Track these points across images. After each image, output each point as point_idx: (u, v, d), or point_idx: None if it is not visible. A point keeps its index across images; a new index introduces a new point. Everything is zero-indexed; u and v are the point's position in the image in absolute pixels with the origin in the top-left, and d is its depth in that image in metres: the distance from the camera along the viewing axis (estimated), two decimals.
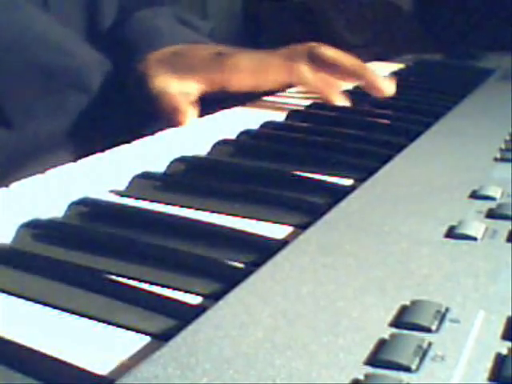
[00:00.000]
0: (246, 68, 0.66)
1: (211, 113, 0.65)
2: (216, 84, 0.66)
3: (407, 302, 0.27)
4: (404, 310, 0.26)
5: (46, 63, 0.64)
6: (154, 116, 0.67)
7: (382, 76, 0.73)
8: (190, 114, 0.63)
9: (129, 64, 0.68)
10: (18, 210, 0.38)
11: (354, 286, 0.28)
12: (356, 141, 0.56)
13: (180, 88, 0.66)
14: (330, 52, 0.69)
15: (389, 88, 0.70)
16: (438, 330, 0.25)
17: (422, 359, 0.23)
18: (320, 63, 0.68)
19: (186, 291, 0.31)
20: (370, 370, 0.23)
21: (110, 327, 0.28)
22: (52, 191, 0.41)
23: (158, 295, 0.30)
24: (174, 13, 0.76)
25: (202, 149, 0.53)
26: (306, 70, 0.66)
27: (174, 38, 0.70)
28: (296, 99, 0.75)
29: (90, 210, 0.40)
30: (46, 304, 0.30)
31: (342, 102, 0.69)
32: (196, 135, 0.56)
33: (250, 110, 0.68)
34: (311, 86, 0.68)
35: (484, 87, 0.80)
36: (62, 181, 0.43)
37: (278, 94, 0.77)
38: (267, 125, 0.61)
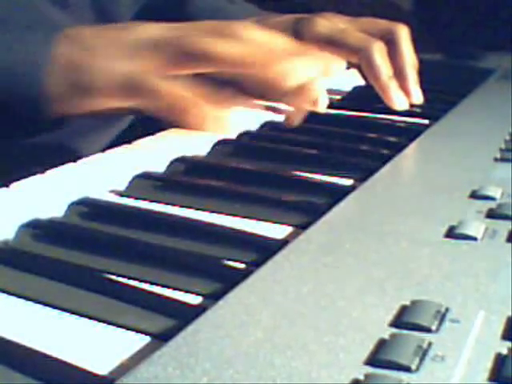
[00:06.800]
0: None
1: None
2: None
3: (407, 302, 0.27)
4: (404, 309, 0.26)
5: None
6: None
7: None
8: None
9: None
10: (18, 209, 0.38)
11: (355, 286, 0.28)
12: (356, 141, 0.56)
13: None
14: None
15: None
16: (437, 330, 0.25)
17: (422, 359, 0.23)
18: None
19: (186, 291, 0.31)
20: (370, 369, 0.23)
21: (110, 327, 0.28)
22: (52, 191, 0.41)
23: (158, 295, 0.30)
24: None
25: (202, 149, 0.53)
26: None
27: (238, 15, 0.68)
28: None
29: (89, 210, 0.40)
30: (46, 304, 0.30)
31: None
32: (195, 135, 0.56)
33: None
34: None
35: (484, 87, 0.80)
36: (61, 181, 0.43)
37: None
38: (267, 125, 0.61)
